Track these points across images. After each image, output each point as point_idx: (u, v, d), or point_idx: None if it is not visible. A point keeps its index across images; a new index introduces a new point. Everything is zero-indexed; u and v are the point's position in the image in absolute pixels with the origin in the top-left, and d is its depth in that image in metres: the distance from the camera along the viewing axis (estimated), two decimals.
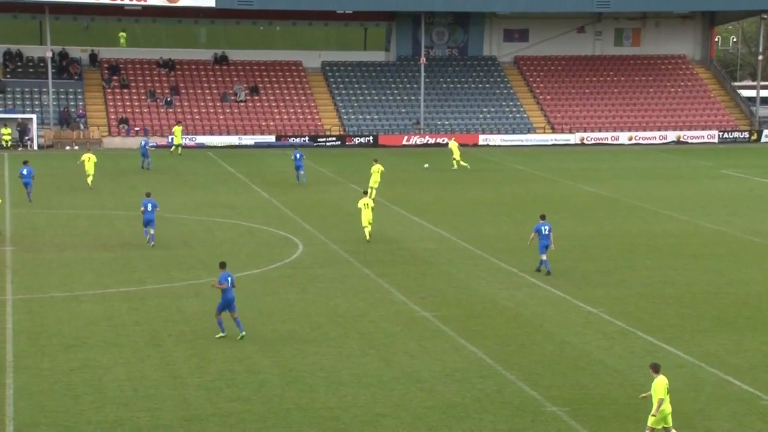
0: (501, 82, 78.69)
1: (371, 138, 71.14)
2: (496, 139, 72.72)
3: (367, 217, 36.22)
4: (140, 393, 20.82)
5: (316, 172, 56.20)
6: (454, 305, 28.12)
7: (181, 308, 27.26)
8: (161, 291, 29.25)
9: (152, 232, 35.22)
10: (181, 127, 64.16)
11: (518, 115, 75.89)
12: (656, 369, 18.18)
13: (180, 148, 62.56)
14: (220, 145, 68.33)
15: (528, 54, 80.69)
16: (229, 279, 24.68)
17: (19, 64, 72.17)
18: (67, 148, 66.17)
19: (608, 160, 64.52)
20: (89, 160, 48.39)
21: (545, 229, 31.72)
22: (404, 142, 71.15)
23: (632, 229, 40.14)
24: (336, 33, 79.58)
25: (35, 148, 65.38)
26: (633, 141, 74.18)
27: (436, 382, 21.80)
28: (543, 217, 32.29)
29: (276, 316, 26.70)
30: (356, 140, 70.72)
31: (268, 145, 68.56)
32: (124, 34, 74.24)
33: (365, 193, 38.87)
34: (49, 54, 68.40)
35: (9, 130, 65.59)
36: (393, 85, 76.97)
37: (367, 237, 36.30)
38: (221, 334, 24.67)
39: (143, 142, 57.04)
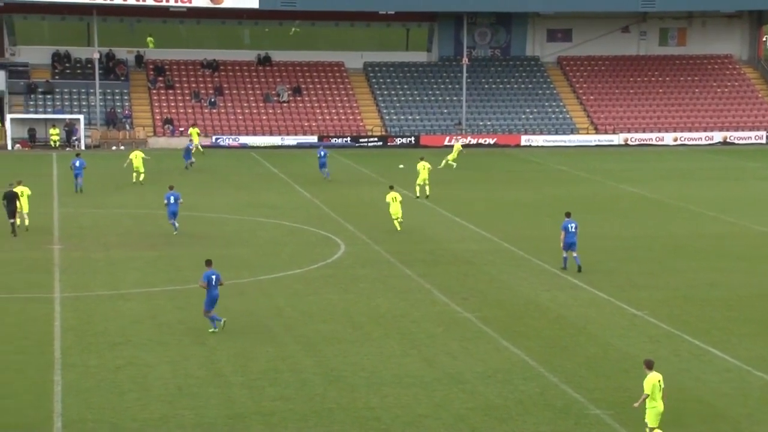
0: (544, 82, 78.33)
1: (413, 138, 71.15)
2: (538, 140, 72.41)
3: (396, 211, 37.66)
4: (184, 391, 20.98)
5: (358, 172, 56.33)
6: (496, 306, 28.04)
7: (224, 307, 27.31)
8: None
9: (174, 222, 37.05)
10: (197, 129, 64.75)
11: (561, 116, 75.50)
12: (649, 365, 18.43)
13: (200, 147, 62.42)
14: (262, 145, 68.71)
15: (571, 54, 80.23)
16: (213, 277, 24.96)
17: (67, 65, 73.12)
18: (113, 148, 66.89)
19: (653, 161, 63.97)
20: (137, 158, 49.70)
21: (572, 227, 32.02)
22: (446, 143, 70.97)
23: (677, 231, 39.80)
24: (378, 34, 79.66)
25: (82, 148, 66.09)
26: (678, 142, 73.50)
27: (477, 383, 21.75)
28: (568, 215, 32.61)
29: (318, 316, 26.77)
30: (398, 141, 70.77)
31: (311, 146, 68.78)
32: (151, 39, 74.71)
33: (391, 187, 39.66)
34: (96, 55, 69.22)
35: (57, 131, 66.44)
36: (435, 86, 76.91)
37: (398, 227, 37.66)
38: (213, 330, 24.99)
39: (189, 145, 57.39)
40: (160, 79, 73.60)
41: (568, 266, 32.28)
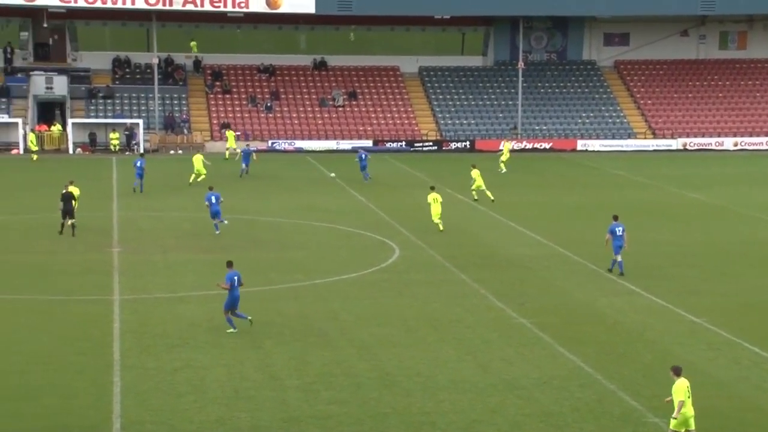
0: (600, 86, 77.67)
1: (468, 143, 70.97)
2: (595, 144, 71.78)
3: (436, 212, 38.47)
4: (240, 394, 21.08)
5: (413, 176, 56.32)
6: (552, 312, 27.83)
7: (280, 310, 27.59)
8: (260, 293, 29.54)
9: (217, 221, 38.01)
10: (233, 133, 65.20)
11: (618, 120, 74.80)
12: (677, 372, 18.33)
13: (230, 152, 62.81)
14: (318, 149, 68.99)
15: (629, 58, 79.47)
16: (235, 278, 25.26)
17: (127, 70, 74.12)
18: (171, 152, 67.65)
19: (712, 166, 63.10)
20: (197, 160, 50.78)
21: (619, 230, 32.05)
22: (501, 147, 70.64)
23: (737, 237, 39.20)
24: (434, 38, 79.61)
25: (141, 152, 66.87)
26: (738, 147, 72.39)
27: (533, 389, 21.60)
28: (616, 218, 32.61)
29: (373, 320, 26.77)
30: (453, 145, 70.63)
31: (354, 150, 68.83)
32: (195, 43, 75.16)
33: (432, 188, 40.24)
34: (155, 60, 70.09)
35: (117, 135, 67.34)
36: (490, 90, 76.65)
37: (441, 228, 38.33)
38: (231, 330, 25.23)
39: (245, 149, 57.71)
40: (218, 83, 74.28)
41: (613, 269, 32.26)
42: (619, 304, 28.84)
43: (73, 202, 38.09)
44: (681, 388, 18.15)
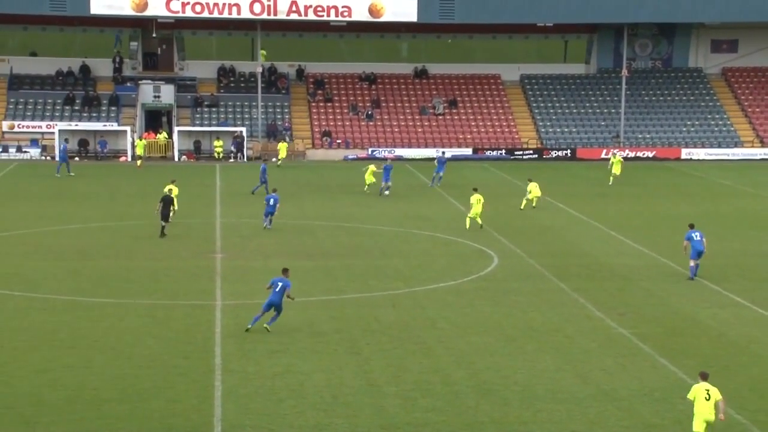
0: (707, 94, 76.06)
1: (569, 151, 70.27)
2: (700, 153, 70.31)
3: (476, 211, 40.37)
4: (339, 400, 21.22)
5: (512, 185, 56.04)
6: (653, 323, 27.41)
7: (378, 318, 27.74)
8: (360, 300, 29.77)
9: (270, 219, 40.38)
10: (286, 145, 64.73)
11: (724, 129, 73.15)
12: (704, 377, 18.82)
13: (279, 161, 63.24)
14: (418, 157, 69.13)
15: (737, 65, 77.68)
16: (279, 284, 25.85)
17: (231, 79, 75.55)
18: (273, 159, 68.56)
19: None
20: (369, 173, 51.34)
21: (696, 236, 32.16)
22: (603, 156, 69.82)
23: None
24: (536, 45, 79.09)
25: (244, 160, 68.11)
26: None
27: (634, 400, 21.30)
28: (692, 226, 32.85)
29: (471, 328, 26.71)
30: (553, 153, 70.03)
31: (465, 158, 68.85)
32: (264, 52, 75.69)
33: (475, 189, 41.96)
34: (259, 69, 71.29)
35: (221, 143, 68.64)
36: (593, 98, 75.77)
37: (479, 222, 40.50)
38: (248, 326, 25.92)
39: (387, 165, 53.71)
40: (320, 92, 75.13)
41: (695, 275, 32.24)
42: (723, 315, 28.26)
43: (172, 206, 39.02)
44: (695, 390, 18.59)
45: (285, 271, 26.58)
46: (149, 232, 40.44)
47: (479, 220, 40.76)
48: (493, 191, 52.69)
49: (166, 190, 41.35)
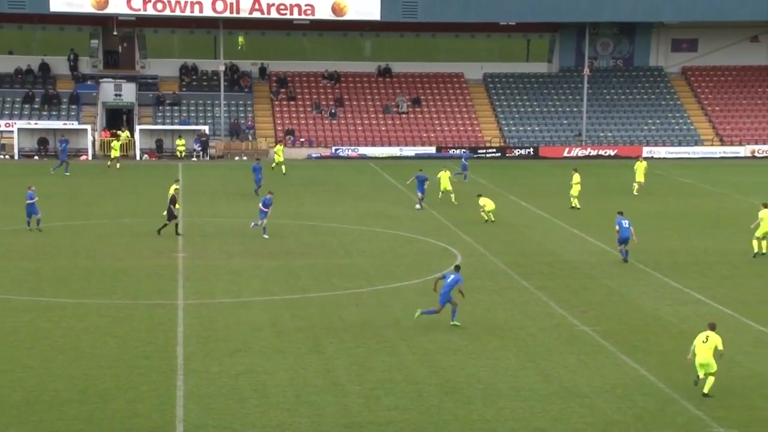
0: (667, 93, 76.74)
1: (532, 150, 70.60)
2: (661, 152, 70.93)
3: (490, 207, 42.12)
4: (302, 399, 21.15)
5: (476, 183, 56.15)
6: (615, 320, 27.56)
7: (342, 316, 27.66)
8: (323, 299, 29.69)
9: (255, 222, 39.75)
10: (282, 147, 61.92)
11: (685, 127, 73.82)
12: (712, 327, 21.97)
13: (283, 167, 59.14)
14: (381, 156, 69.16)
15: (697, 64, 78.45)
16: (450, 277, 26.53)
17: (194, 77, 75.09)
18: (236, 158, 68.35)
19: None
20: (445, 177, 48.48)
21: (625, 223, 34.28)
22: (565, 154, 70.27)
23: None
24: (499, 44, 79.39)
25: (207, 158, 67.75)
26: None
27: (596, 397, 21.42)
28: (621, 213, 35.01)
29: (434, 326, 26.69)
30: (516, 152, 70.32)
31: (429, 156, 68.94)
32: (242, 39, 74.91)
33: (479, 195, 43.42)
34: (221, 68, 70.91)
35: (183, 141, 68.19)
36: (555, 97, 76.18)
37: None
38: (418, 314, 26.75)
39: (419, 175, 49.60)
40: (283, 90, 74.89)
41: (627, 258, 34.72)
42: (684, 312, 28.47)
43: (174, 206, 38.73)
44: (698, 338, 21.78)
45: (458, 268, 27.20)
46: (110, 231, 40.20)
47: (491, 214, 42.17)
48: (455, 189, 52.76)
49: (171, 190, 40.43)
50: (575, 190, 46.86)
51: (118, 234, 39.55)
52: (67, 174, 57.85)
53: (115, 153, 62.80)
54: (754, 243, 36.14)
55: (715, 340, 21.41)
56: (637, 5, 70.46)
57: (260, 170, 50.44)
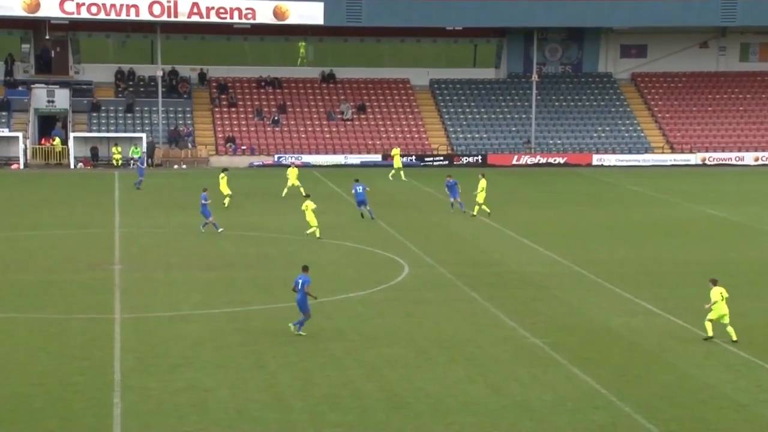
0: (617, 99, 76.92)
1: (480, 157, 70.22)
2: (611, 159, 70.97)
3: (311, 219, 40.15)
4: (244, 415, 20.65)
5: (423, 192, 55.64)
6: (566, 332, 27.19)
7: (285, 330, 26.99)
8: (266, 312, 29.09)
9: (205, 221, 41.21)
10: (296, 171, 53.85)
11: (635, 134, 74.01)
12: (714, 282, 26.21)
13: (298, 189, 52.52)
14: (325, 164, 68.27)
15: (646, 70, 78.74)
16: (299, 281, 26.24)
17: (130, 83, 73.57)
18: (176, 167, 67.01)
19: (732, 182, 62.11)
20: (482, 188, 46.11)
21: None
22: (514, 162, 70.02)
23: (758, 256, 38.26)
24: (445, 50, 78.93)
25: (144, 166, 66.36)
26: (759, 162, 71.37)
27: (546, 411, 21.07)
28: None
29: (381, 339, 26.24)
30: (464, 159, 69.89)
31: (374, 165, 68.25)
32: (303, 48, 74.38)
33: (307, 196, 42.48)
34: (159, 73, 69.54)
35: (120, 149, 66.69)
36: (503, 103, 75.99)
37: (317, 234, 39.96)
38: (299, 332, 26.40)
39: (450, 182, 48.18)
40: (223, 96, 73.73)
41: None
42: (635, 324, 28.17)
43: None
44: (716, 292, 25.65)
45: (305, 268, 26.82)
46: (43, 243, 39.14)
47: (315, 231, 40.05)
48: (404, 199, 52.25)
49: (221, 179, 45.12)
50: (481, 197, 45.42)
51: (50, 246, 38.54)
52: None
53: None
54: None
55: (724, 292, 25.84)
56: (586, 10, 70.47)
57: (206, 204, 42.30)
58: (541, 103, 74.13)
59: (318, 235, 39.85)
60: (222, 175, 48.82)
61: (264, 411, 20.83)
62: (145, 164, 58.98)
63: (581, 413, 20.87)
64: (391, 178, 60.35)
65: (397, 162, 61.94)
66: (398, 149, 64.31)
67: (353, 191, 45.58)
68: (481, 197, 45.64)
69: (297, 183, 52.20)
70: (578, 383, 22.83)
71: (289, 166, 56.04)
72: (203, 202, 41.48)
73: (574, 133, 73.91)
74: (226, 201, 47.74)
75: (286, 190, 52.30)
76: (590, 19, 71.71)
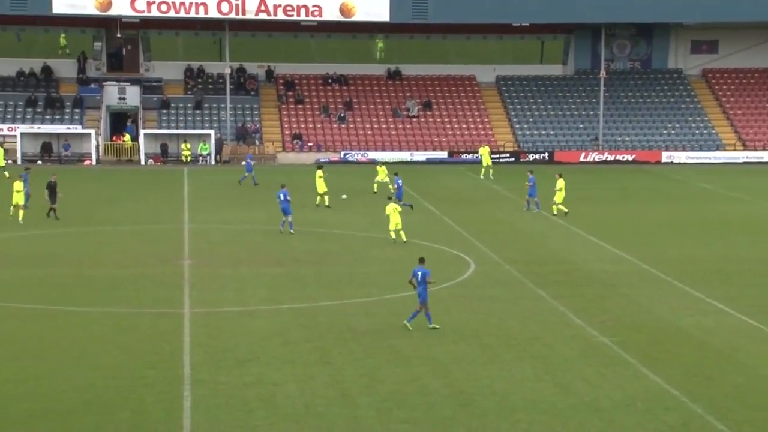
0: (687, 96, 75.73)
1: (547, 154, 69.68)
2: (681, 156, 69.93)
3: (395, 221, 38.38)
4: (311, 410, 20.65)
5: (489, 189, 55.39)
6: (635, 331, 26.79)
7: (351, 326, 27.04)
8: (332, 308, 29.08)
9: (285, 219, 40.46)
10: (385, 170, 54.04)
11: (705, 131, 72.83)
12: None
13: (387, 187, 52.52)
14: (391, 160, 68.18)
15: (717, 66, 77.40)
16: (418, 273, 26.46)
17: (199, 80, 74.40)
18: (243, 163, 67.50)
19: None
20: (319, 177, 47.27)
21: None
22: (582, 159, 69.37)
23: None
24: (511, 46, 78.44)
25: (212, 163, 67.13)
26: None
27: (616, 411, 20.74)
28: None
29: (447, 336, 26.08)
30: (531, 156, 69.38)
31: (440, 161, 68.11)
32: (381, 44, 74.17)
33: (389, 198, 41.91)
34: (227, 70, 70.21)
35: (189, 146, 67.47)
36: (570, 100, 75.29)
37: (403, 238, 38.37)
38: (430, 326, 26.56)
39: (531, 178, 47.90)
40: (290, 93, 74.18)
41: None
42: (706, 323, 27.70)
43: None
44: None
45: (421, 260, 27.10)
46: (114, 238, 39.65)
47: (399, 233, 38.42)
48: (470, 196, 52.08)
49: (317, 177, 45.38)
50: (559, 197, 45.08)
51: (121, 241, 38.98)
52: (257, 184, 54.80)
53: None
54: None
55: None
56: (655, 6, 69.38)
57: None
58: (609, 100, 73.29)
59: (404, 238, 38.44)
60: (319, 173, 47.15)
61: (330, 407, 20.82)
62: (254, 161, 58.33)
63: (651, 414, 20.55)
64: (482, 177, 59.58)
65: (486, 160, 61.27)
66: (487, 147, 63.68)
67: (395, 185, 46.93)
68: (559, 197, 45.33)
69: (387, 179, 52.20)
70: (648, 383, 22.49)
71: (378, 165, 56.11)
72: (286, 198, 40.11)
73: (642, 130, 72.95)
74: (326, 199, 47.14)
75: (376, 186, 52.51)
76: (660, 14, 70.61)
